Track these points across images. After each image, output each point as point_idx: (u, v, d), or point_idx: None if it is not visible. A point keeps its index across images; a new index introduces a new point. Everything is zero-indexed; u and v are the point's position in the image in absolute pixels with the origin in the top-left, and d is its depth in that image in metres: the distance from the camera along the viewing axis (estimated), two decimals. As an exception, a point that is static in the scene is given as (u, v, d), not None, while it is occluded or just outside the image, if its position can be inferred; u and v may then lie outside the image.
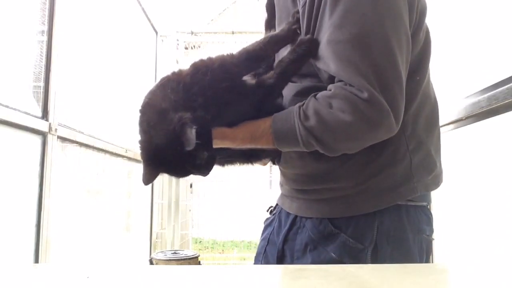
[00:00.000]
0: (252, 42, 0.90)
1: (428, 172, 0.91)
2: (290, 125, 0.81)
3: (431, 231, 0.94)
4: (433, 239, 0.94)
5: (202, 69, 0.83)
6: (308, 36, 0.84)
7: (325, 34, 0.80)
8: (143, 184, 0.84)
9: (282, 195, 1.06)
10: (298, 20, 0.88)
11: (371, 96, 0.74)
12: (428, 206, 0.95)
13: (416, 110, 0.89)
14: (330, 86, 0.80)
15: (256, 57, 0.88)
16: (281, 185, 1.08)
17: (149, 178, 0.83)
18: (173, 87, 0.82)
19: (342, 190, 0.89)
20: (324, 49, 0.80)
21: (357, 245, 0.85)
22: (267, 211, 1.15)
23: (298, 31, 0.88)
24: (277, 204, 1.10)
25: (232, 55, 0.87)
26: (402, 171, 0.87)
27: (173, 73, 0.86)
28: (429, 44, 0.92)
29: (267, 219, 1.12)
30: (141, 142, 0.83)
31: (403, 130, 0.85)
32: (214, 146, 0.85)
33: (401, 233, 0.87)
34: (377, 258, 0.84)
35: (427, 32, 0.92)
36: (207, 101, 0.81)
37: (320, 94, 0.81)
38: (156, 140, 0.79)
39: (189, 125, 0.75)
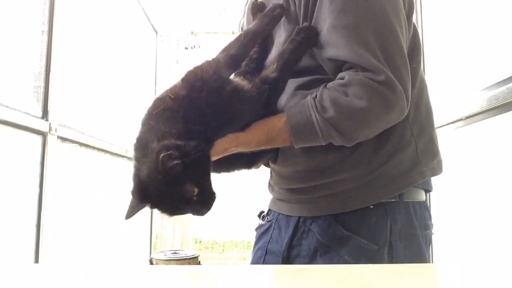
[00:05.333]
0: (229, 43, 0.86)
1: (433, 156, 0.91)
2: (307, 119, 0.79)
3: (432, 226, 0.95)
4: (433, 233, 0.96)
5: (196, 84, 0.77)
6: (305, 24, 0.83)
7: (327, 19, 0.79)
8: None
9: (276, 200, 1.02)
10: (276, 12, 0.86)
11: (387, 78, 0.75)
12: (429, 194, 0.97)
13: (417, 96, 0.89)
14: (342, 74, 0.79)
15: (239, 58, 0.86)
16: (272, 188, 1.03)
17: (129, 211, 0.75)
18: (167, 116, 0.75)
19: (354, 180, 0.87)
20: (329, 35, 0.79)
21: (372, 246, 0.84)
22: (258, 216, 1.09)
23: (273, 22, 0.87)
24: (269, 210, 1.05)
25: (217, 62, 0.82)
26: (409, 157, 0.87)
27: (168, 96, 0.78)
28: (417, 32, 0.93)
29: (260, 226, 1.06)
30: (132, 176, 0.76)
31: (406, 115, 0.85)
32: (229, 153, 0.81)
33: (412, 230, 0.87)
34: (392, 257, 0.83)
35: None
36: (208, 119, 0.75)
37: (332, 84, 0.79)
38: (139, 172, 0.73)
39: (168, 154, 0.67)
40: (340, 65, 0.80)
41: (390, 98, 0.76)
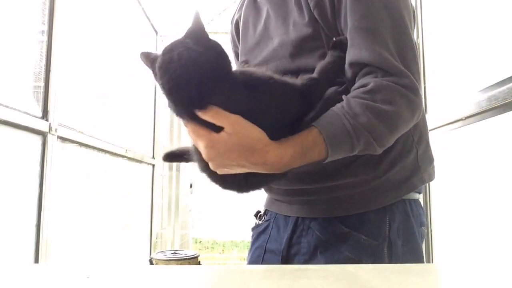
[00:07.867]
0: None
1: (429, 162, 0.94)
2: (340, 128, 0.73)
3: (426, 223, 0.97)
4: (425, 230, 0.98)
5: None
6: (340, 37, 0.83)
7: (348, 21, 0.81)
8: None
9: (274, 200, 1.01)
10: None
11: (411, 82, 0.77)
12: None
13: None
14: (363, 82, 0.77)
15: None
16: (269, 188, 1.01)
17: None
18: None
19: (358, 185, 0.87)
20: (351, 36, 0.80)
21: (372, 242, 0.85)
22: (255, 216, 1.08)
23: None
24: (266, 210, 1.05)
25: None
26: (411, 163, 0.90)
27: None
28: None
29: (257, 225, 1.06)
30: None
31: None
32: (247, 169, 0.73)
33: (409, 227, 0.88)
34: (391, 254, 0.84)
35: None
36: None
37: (356, 92, 0.76)
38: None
39: None
40: (357, 71, 0.80)
41: (415, 102, 0.78)
